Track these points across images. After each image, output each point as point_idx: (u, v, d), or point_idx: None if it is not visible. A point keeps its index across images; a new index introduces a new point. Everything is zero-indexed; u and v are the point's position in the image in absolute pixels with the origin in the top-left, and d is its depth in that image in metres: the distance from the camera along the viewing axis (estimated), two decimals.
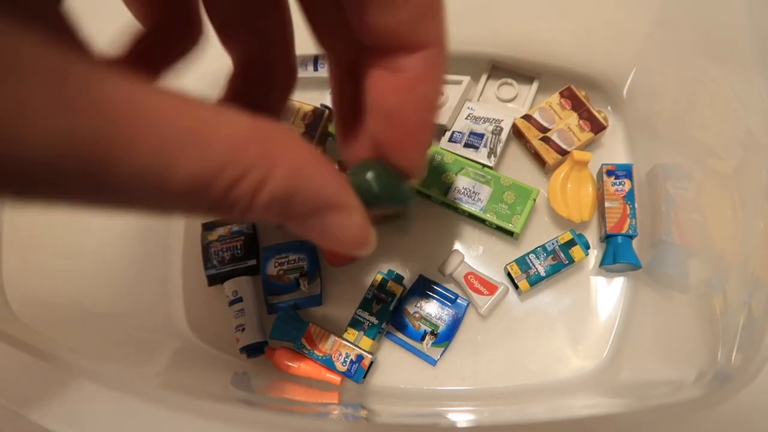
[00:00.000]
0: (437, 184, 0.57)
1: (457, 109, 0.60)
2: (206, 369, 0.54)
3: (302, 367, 0.53)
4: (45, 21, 0.19)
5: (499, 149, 0.58)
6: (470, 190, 0.56)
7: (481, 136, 0.59)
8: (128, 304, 0.54)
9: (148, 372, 0.44)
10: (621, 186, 0.55)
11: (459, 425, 0.38)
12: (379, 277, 0.55)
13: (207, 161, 0.18)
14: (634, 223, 0.54)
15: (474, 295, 0.54)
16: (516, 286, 0.55)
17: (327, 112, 0.59)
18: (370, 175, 0.27)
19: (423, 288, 0.56)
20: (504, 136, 0.59)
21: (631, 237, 0.54)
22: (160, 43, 0.28)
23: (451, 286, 0.56)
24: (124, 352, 0.47)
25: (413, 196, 0.30)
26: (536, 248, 0.55)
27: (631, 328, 0.53)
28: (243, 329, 0.54)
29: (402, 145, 0.28)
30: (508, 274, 0.55)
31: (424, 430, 0.37)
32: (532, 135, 0.59)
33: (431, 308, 0.55)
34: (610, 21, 0.57)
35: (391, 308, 0.54)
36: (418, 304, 0.55)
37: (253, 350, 0.54)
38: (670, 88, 0.55)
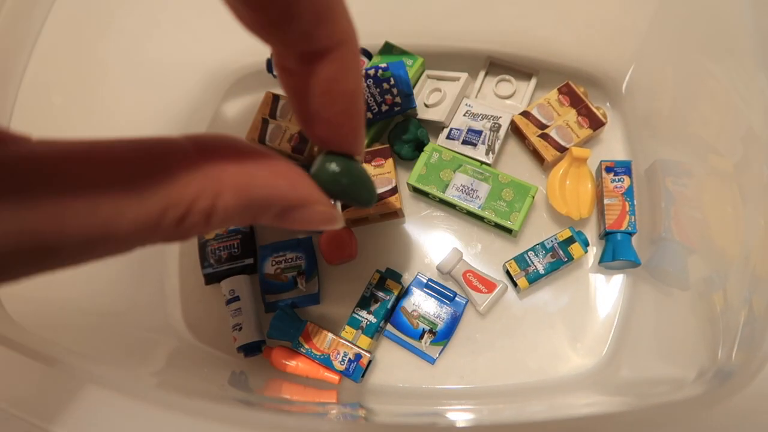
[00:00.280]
0: (435, 181, 0.56)
1: (455, 105, 0.60)
2: (203, 368, 0.53)
3: (300, 366, 0.52)
4: None
5: (497, 146, 0.58)
6: (468, 188, 0.56)
7: (479, 132, 0.59)
8: (125, 303, 0.54)
9: (145, 372, 0.44)
10: (620, 183, 0.55)
11: (458, 424, 0.37)
12: (377, 276, 0.55)
13: (144, 211, 0.19)
14: (633, 219, 0.54)
15: (473, 293, 0.54)
16: (515, 284, 0.54)
17: None
18: (321, 164, 0.30)
19: (421, 286, 0.55)
20: (502, 132, 0.58)
21: (631, 234, 0.54)
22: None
23: (449, 284, 0.56)
24: (121, 352, 0.46)
25: (366, 175, 0.33)
26: (535, 246, 0.55)
27: (630, 326, 0.53)
28: (240, 328, 0.54)
29: (337, 139, 0.30)
30: (507, 272, 0.55)
31: (423, 429, 0.37)
32: (531, 132, 0.58)
33: (429, 306, 0.55)
34: (608, 17, 0.56)
35: (389, 306, 0.54)
36: (417, 303, 0.55)
37: (250, 349, 0.54)
38: (669, 84, 0.54)
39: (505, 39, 0.63)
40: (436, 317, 0.54)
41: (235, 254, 0.58)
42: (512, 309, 0.56)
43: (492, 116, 0.59)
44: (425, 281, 0.55)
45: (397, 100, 0.57)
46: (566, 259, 0.54)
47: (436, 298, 0.55)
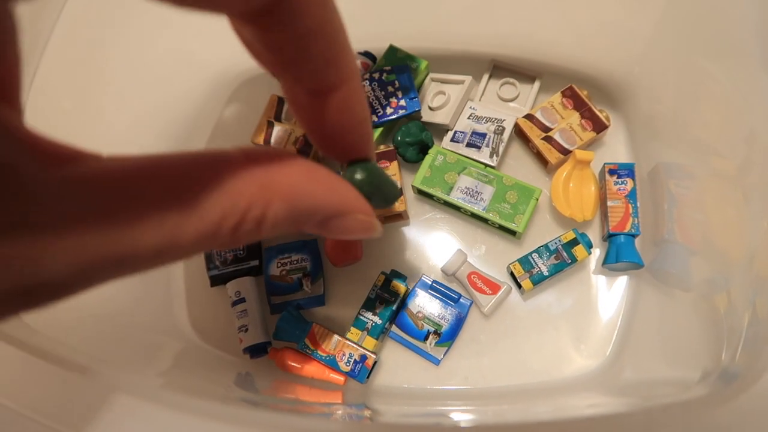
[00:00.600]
0: (440, 183, 0.57)
1: (459, 108, 0.60)
2: (209, 370, 0.54)
3: (306, 368, 0.53)
4: None
5: (501, 149, 0.58)
6: (473, 190, 0.56)
7: (483, 135, 0.59)
8: (131, 305, 0.54)
9: (152, 373, 0.44)
10: (623, 185, 0.55)
11: (462, 425, 0.38)
12: (382, 277, 0.55)
13: (205, 221, 0.20)
14: (636, 222, 0.54)
15: (477, 294, 0.54)
16: (519, 286, 0.55)
17: None
18: (351, 175, 0.33)
19: (426, 288, 0.56)
20: (506, 135, 0.59)
21: (634, 236, 0.54)
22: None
23: (454, 286, 0.56)
24: (127, 353, 0.47)
25: (386, 173, 0.36)
26: (539, 247, 0.55)
27: (634, 327, 0.53)
28: (246, 330, 0.54)
29: (354, 153, 0.33)
30: (511, 274, 0.55)
31: (428, 429, 0.37)
32: (535, 134, 0.59)
33: (434, 308, 0.55)
34: (611, 20, 0.57)
35: (394, 308, 0.54)
36: (421, 304, 0.55)
37: (256, 351, 0.54)
38: (672, 87, 0.55)
39: (508, 42, 0.63)
40: (441, 318, 0.54)
41: (240, 256, 0.58)
42: (516, 310, 0.56)
43: (496, 119, 0.60)
44: (430, 283, 0.56)
45: (402, 103, 0.58)
46: (570, 261, 0.54)
47: (440, 299, 0.55)
